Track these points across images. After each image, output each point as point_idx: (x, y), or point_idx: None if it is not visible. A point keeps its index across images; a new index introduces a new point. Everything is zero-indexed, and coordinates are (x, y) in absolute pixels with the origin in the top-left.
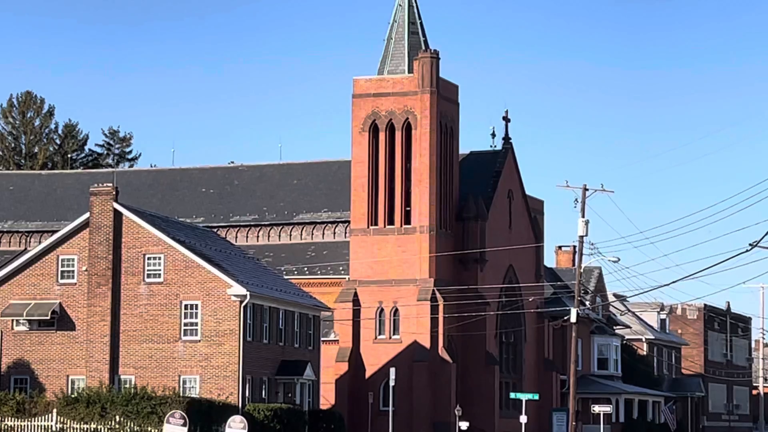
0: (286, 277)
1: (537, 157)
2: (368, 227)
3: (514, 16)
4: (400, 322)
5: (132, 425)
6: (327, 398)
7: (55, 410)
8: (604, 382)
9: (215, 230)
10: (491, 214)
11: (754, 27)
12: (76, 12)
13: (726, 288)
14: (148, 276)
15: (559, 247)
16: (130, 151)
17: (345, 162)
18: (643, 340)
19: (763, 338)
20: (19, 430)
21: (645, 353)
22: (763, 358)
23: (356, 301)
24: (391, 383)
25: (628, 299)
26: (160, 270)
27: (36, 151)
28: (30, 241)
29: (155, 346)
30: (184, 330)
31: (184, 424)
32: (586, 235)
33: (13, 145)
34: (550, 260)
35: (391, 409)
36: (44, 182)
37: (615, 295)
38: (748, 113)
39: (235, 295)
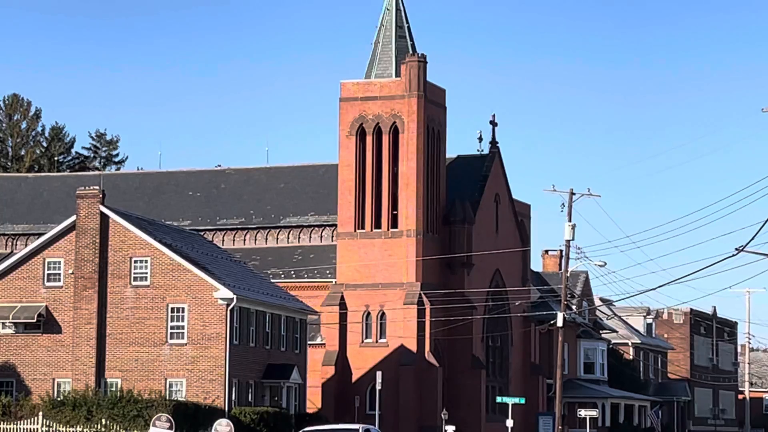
0: (272, 280)
1: (524, 161)
2: (355, 231)
3: (502, 21)
4: (386, 325)
5: (118, 428)
6: (313, 402)
7: (41, 413)
8: (591, 386)
9: (202, 233)
10: (478, 218)
11: (741, 32)
12: (63, 15)
13: (712, 292)
14: (135, 279)
15: (546, 251)
16: (117, 154)
17: (332, 165)
18: (630, 344)
19: (749, 343)
20: None
21: (631, 357)
22: (749, 363)
23: (343, 305)
24: (378, 387)
25: (614, 303)
26: (146, 273)
27: (23, 153)
28: (16, 244)
29: (141, 350)
30: (171, 333)
31: (170, 428)
32: (573, 240)
33: None
34: (536, 264)
35: (377, 412)
36: (31, 185)
37: (601, 299)
38: (735, 118)
39: (221, 299)
